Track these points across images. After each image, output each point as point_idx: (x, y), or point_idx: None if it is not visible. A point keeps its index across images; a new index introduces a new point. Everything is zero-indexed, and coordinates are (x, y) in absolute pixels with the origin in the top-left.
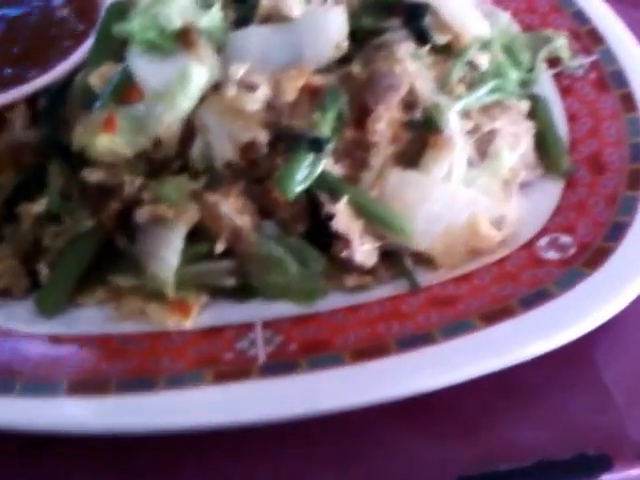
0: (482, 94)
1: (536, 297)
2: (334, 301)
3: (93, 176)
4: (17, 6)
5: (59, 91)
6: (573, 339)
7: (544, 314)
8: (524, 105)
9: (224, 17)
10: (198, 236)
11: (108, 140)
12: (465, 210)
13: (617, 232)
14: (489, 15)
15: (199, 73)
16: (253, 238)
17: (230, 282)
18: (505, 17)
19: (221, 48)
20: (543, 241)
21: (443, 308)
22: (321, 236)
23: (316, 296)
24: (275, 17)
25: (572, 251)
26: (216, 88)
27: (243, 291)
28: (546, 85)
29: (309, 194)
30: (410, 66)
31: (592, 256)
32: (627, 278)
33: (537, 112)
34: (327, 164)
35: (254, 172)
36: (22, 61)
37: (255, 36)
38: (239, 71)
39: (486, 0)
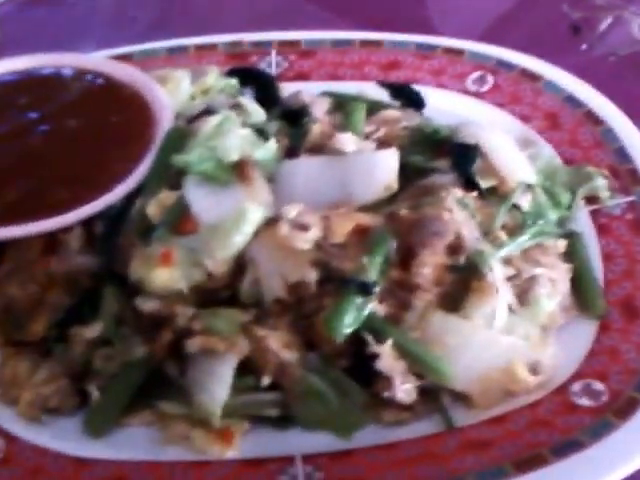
0: (524, 240)
1: (568, 446)
2: (372, 435)
3: (147, 306)
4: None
5: (116, 217)
6: None
7: (574, 465)
8: (561, 244)
9: (277, 147)
10: (245, 368)
11: (165, 274)
12: (504, 356)
13: None
14: (533, 146)
15: (254, 211)
16: (298, 372)
17: (273, 413)
18: (548, 150)
19: (272, 177)
20: (576, 386)
21: (478, 451)
22: (361, 371)
23: (355, 429)
24: (326, 148)
25: (604, 399)
26: (268, 223)
27: (284, 420)
28: (583, 222)
29: (353, 332)
30: (457, 214)
31: (623, 406)
32: None
33: (574, 252)
34: (373, 304)
35: (301, 308)
36: (76, 182)
37: (305, 168)
38: (292, 211)
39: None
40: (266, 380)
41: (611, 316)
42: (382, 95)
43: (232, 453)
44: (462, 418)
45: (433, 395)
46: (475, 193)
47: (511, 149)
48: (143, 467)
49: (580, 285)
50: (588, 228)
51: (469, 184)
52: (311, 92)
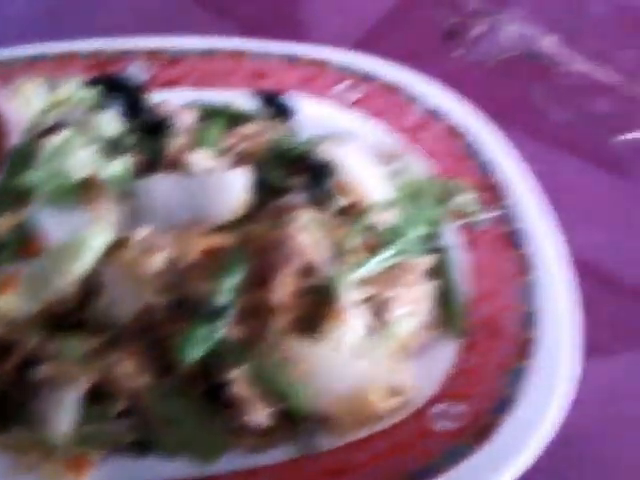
0: (382, 259)
1: (425, 472)
2: (232, 461)
3: None
4: None
5: None
6: None
7: None
8: (427, 261)
9: (132, 162)
10: (98, 394)
11: (8, 299)
12: (359, 379)
13: (506, 404)
14: (400, 158)
15: (100, 233)
16: (152, 397)
17: (129, 439)
18: (416, 162)
19: (127, 195)
20: (436, 409)
21: (335, 478)
22: (218, 396)
23: (216, 455)
24: (182, 166)
25: (463, 422)
26: (118, 245)
27: (142, 447)
28: (451, 238)
29: (208, 356)
30: (309, 235)
31: (481, 429)
32: (509, 458)
33: (440, 269)
34: (226, 328)
35: (154, 332)
36: None
37: (160, 186)
38: (142, 233)
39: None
40: (118, 407)
41: (475, 335)
42: (253, 105)
43: None
44: (323, 443)
45: (296, 419)
46: (330, 212)
47: (369, 165)
48: None
49: (444, 303)
50: (456, 243)
51: (324, 203)
52: (178, 102)
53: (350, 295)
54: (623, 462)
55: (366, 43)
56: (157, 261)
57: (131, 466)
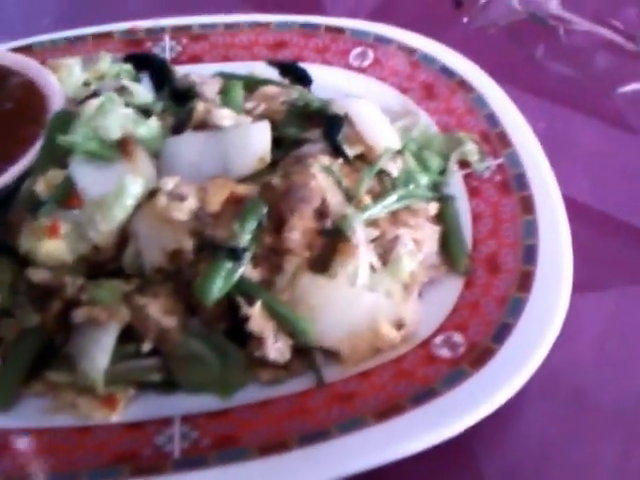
0: (389, 203)
1: (424, 395)
2: (251, 394)
3: (37, 276)
4: None
5: (8, 195)
6: (451, 436)
7: (428, 412)
8: (433, 207)
9: (162, 124)
10: (129, 335)
11: (52, 245)
12: (367, 313)
13: (503, 333)
14: (411, 115)
15: (134, 184)
16: (178, 337)
17: (156, 378)
18: (425, 118)
19: (158, 154)
20: (438, 339)
21: (343, 404)
22: (239, 333)
23: (235, 389)
24: (209, 125)
25: (462, 350)
26: (151, 196)
27: (169, 385)
28: (456, 186)
29: (229, 296)
30: (322, 180)
31: (478, 356)
32: (503, 381)
33: (444, 214)
34: (246, 269)
35: (181, 276)
36: None
37: (188, 143)
38: (169, 183)
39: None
40: (147, 346)
41: (476, 272)
42: (272, 74)
43: (115, 418)
44: (333, 375)
45: (308, 353)
46: (341, 160)
47: (378, 118)
48: (32, 433)
49: (448, 245)
50: (460, 191)
51: (337, 152)
52: (203, 74)
53: (360, 234)
54: (606, 395)
55: (378, 17)
56: (185, 208)
57: (158, 403)
